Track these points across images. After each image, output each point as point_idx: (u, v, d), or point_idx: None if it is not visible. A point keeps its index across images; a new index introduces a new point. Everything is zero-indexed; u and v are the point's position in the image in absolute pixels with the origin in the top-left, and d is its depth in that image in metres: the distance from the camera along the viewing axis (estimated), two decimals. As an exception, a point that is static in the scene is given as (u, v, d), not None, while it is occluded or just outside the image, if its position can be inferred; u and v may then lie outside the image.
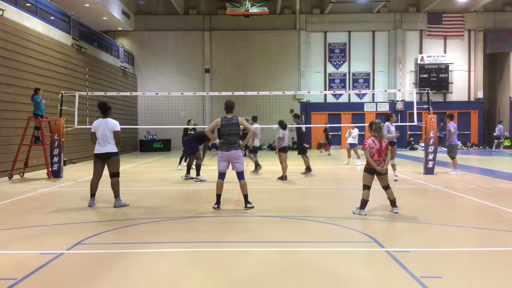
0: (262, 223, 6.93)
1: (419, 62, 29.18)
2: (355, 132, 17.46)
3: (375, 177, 7.37)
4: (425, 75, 29.09)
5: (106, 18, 24.53)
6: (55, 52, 17.09)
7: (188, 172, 12.56)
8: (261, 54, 28.99)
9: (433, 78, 29.06)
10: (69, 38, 18.59)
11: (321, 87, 29.25)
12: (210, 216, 7.40)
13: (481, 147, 28.73)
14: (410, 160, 19.28)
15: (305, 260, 4.98)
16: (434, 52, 29.30)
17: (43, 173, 13.80)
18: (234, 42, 29.10)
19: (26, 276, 4.39)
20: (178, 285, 4.27)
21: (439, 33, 29.08)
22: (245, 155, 8.32)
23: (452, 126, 13.16)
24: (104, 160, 8.12)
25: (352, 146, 17.31)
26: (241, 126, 8.00)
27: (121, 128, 8.40)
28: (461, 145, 26.26)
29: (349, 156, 17.52)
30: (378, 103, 29.05)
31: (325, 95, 29.17)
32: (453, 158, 13.18)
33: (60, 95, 13.89)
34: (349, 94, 29.14)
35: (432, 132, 13.40)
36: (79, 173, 14.25)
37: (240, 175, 7.93)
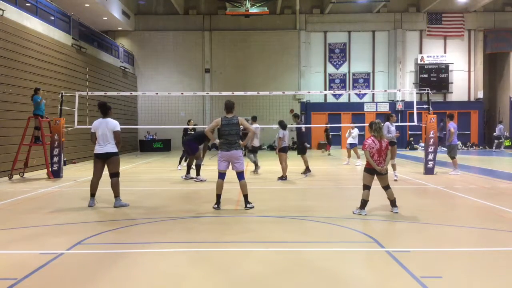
0: (262, 223, 6.93)
1: (419, 62, 29.18)
2: (355, 132, 17.46)
3: (375, 177, 7.37)
4: (425, 75, 29.09)
5: (106, 18, 24.53)
6: (55, 52, 17.09)
7: (188, 172, 12.56)
8: (261, 54, 29.00)
9: (433, 78, 29.06)
10: (69, 38, 18.60)
11: (321, 87, 29.25)
12: (210, 216, 7.40)
13: (481, 147, 28.73)
14: (410, 160, 19.28)
15: (305, 260, 4.98)
16: (434, 52, 29.30)
17: (43, 173, 13.80)
18: (234, 42, 29.10)
19: (26, 276, 4.39)
20: (178, 285, 4.27)
21: (439, 33, 29.09)
22: (244, 155, 8.30)
23: (452, 126, 13.16)
24: (104, 160, 8.12)
25: (352, 146, 17.31)
26: (241, 126, 8.00)
27: (121, 128, 8.40)
28: (461, 145, 26.26)
29: (349, 156, 17.52)
30: (378, 103, 29.05)
31: (325, 95, 29.17)
32: (453, 158, 13.18)
33: (60, 95, 13.89)
34: (349, 94, 29.14)
35: (432, 132, 13.40)
36: (79, 173, 14.25)
37: (240, 175, 7.93)
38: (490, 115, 30.18)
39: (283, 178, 12.15)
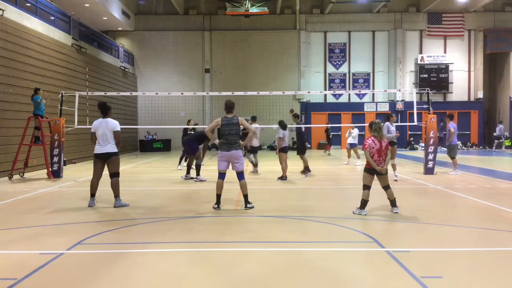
0: (262, 223, 6.93)
1: (419, 62, 29.18)
2: (355, 132, 17.46)
3: (375, 177, 7.37)
4: (425, 75, 29.10)
5: (106, 18, 24.53)
6: (55, 52, 17.09)
7: (188, 172, 12.56)
8: (261, 54, 29.00)
9: (433, 78, 29.06)
10: (69, 38, 18.60)
11: (321, 87, 29.26)
12: (210, 216, 7.40)
13: (481, 147, 28.74)
14: (410, 160, 19.28)
15: (305, 260, 4.98)
16: (434, 52, 29.30)
17: (43, 173, 13.80)
18: (234, 42, 29.10)
19: (26, 276, 4.39)
20: (178, 285, 4.27)
21: (439, 33, 29.09)
22: (244, 155, 8.31)
23: (452, 126, 13.16)
24: (104, 160, 8.12)
25: (352, 146, 17.31)
26: (241, 126, 8.01)
27: (121, 128, 8.40)
28: (461, 145, 26.26)
29: (349, 156, 17.52)
30: (378, 103, 29.06)
31: (325, 95, 29.17)
32: (453, 158, 13.18)
33: (60, 95, 13.90)
34: (349, 94, 29.14)
35: (432, 132, 13.40)
36: (79, 173, 14.25)
37: (240, 175, 7.93)
38: (490, 115, 30.18)
39: (283, 178, 12.15)
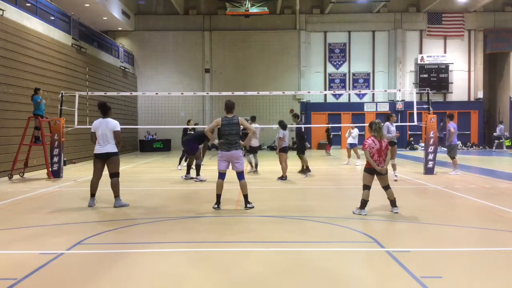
0: (262, 223, 6.93)
1: (419, 62, 29.18)
2: (355, 132, 17.46)
3: (375, 177, 7.37)
4: (425, 75, 29.10)
5: (106, 18, 24.53)
6: (55, 52, 17.09)
7: (188, 172, 12.56)
8: (261, 54, 29.00)
9: (433, 78, 29.06)
10: (69, 38, 18.60)
11: (321, 87, 29.26)
12: (210, 216, 7.40)
13: (481, 147, 28.74)
14: (410, 160, 19.28)
15: (305, 260, 4.98)
16: (434, 52, 29.30)
17: (43, 173, 13.80)
18: (234, 42, 29.10)
19: (26, 276, 4.39)
20: (178, 285, 4.27)
21: (439, 33, 29.09)
22: (243, 155, 8.30)
23: (452, 126, 13.16)
24: (104, 160, 8.12)
25: (352, 146, 17.32)
26: (241, 126, 8.01)
27: (121, 128, 8.40)
28: (461, 145, 26.26)
29: (349, 156, 17.53)
30: (378, 103, 29.06)
31: (325, 95, 29.17)
32: (453, 158, 13.18)
33: (60, 95, 13.90)
34: (349, 94, 29.14)
35: (432, 132, 13.40)
36: (79, 173, 14.25)
37: (240, 175, 7.93)
38: (490, 115, 30.18)
39: (283, 178, 12.15)
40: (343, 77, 29.55)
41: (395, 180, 11.43)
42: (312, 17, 29.29)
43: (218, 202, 7.89)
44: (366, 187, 7.35)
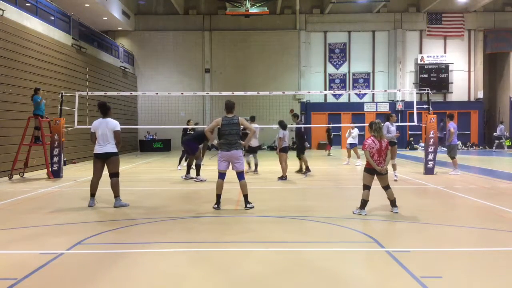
0: (262, 223, 6.93)
1: (419, 62, 29.18)
2: (355, 132, 17.47)
3: (375, 177, 7.37)
4: (425, 75, 29.10)
5: (106, 18, 24.54)
6: (55, 52, 17.09)
7: (188, 172, 12.55)
8: (261, 54, 29.00)
9: (433, 78, 29.06)
10: (69, 38, 18.60)
11: (321, 87, 29.26)
12: (210, 216, 7.40)
13: (481, 147, 28.74)
14: (410, 160, 19.28)
15: (305, 260, 4.98)
16: (434, 52, 29.30)
17: (43, 173, 13.80)
18: (234, 42, 29.11)
19: (26, 276, 4.39)
20: (178, 285, 4.27)
21: (439, 33, 29.09)
22: (243, 155, 8.30)
23: (452, 126, 13.16)
24: (103, 160, 8.12)
25: (352, 146, 17.32)
26: (241, 126, 8.01)
27: (121, 128, 8.39)
28: (461, 145, 26.25)
29: (349, 156, 17.53)
30: (378, 103, 29.06)
31: (325, 95, 29.18)
32: (453, 158, 13.18)
33: (60, 95, 13.90)
34: (349, 94, 29.15)
35: (432, 132, 13.40)
36: (79, 173, 14.25)
37: (240, 175, 7.93)
38: (490, 115, 30.18)
39: (283, 178, 12.15)
40: (343, 77, 29.55)
41: (395, 180, 11.43)
42: (312, 17, 29.29)
43: (218, 202, 7.88)
44: (366, 187, 7.35)
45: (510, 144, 27.42)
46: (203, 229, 6.58)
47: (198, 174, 12.08)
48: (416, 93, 17.58)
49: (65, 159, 15.07)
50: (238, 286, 4.23)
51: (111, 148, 8.09)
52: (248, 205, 7.86)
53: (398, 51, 28.94)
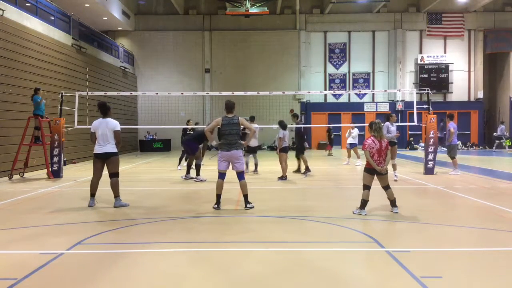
0: (262, 223, 6.93)
1: (419, 62, 29.18)
2: (355, 132, 17.47)
3: (375, 177, 7.37)
4: (425, 75, 29.10)
5: (106, 18, 24.53)
6: (55, 52, 17.09)
7: (188, 172, 12.55)
8: (261, 54, 29.00)
9: (433, 78, 29.06)
10: (69, 38, 18.60)
11: (321, 87, 29.26)
12: (210, 216, 7.40)
13: (481, 147, 28.74)
14: (410, 160, 19.28)
15: (305, 260, 4.98)
16: (434, 52, 29.30)
17: (43, 173, 13.80)
18: (234, 42, 29.10)
19: (26, 276, 4.39)
20: (178, 285, 4.27)
21: (439, 33, 29.09)
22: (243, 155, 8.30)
23: (452, 126, 13.16)
24: (103, 160, 8.12)
25: (352, 146, 17.32)
26: (241, 126, 8.01)
27: (121, 128, 8.39)
28: (461, 145, 26.25)
29: (349, 156, 17.53)
30: (378, 103, 29.06)
31: (325, 95, 29.17)
32: (453, 158, 13.18)
33: (60, 95, 13.90)
34: (349, 94, 29.14)
35: (432, 132, 13.40)
36: (79, 173, 14.25)
37: (240, 175, 7.93)
38: (490, 115, 30.18)
39: (283, 178, 12.15)
40: (343, 77, 29.55)
41: (395, 180, 11.43)
42: (312, 17, 29.29)
43: (218, 202, 7.89)
44: (366, 187, 7.35)
45: (510, 144, 27.40)
46: (203, 229, 6.58)
47: (198, 174, 12.08)
48: (416, 93, 17.58)
49: (65, 159, 15.07)
50: (238, 286, 4.23)
51: (111, 148, 8.09)
52: (248, 205, 7.86)
53: (398, 51, 28.94)
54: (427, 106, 14.31)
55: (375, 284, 4.28)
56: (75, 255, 5.21)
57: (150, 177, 13.68)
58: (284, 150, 12.34)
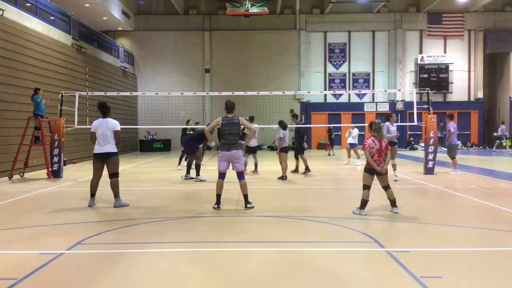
0: (262, 223, 6.93)
1: (419, 62, 29.19)
2: (355, 132, 17.47)
3: (375, 177, 7.37)
4: (425, 75, 29.10)
5: (106, 18, 24.54)
6: (55, 52, 17.09)
7: (188, 172, 12.55)
8: (261, 54, 29.00)
9: (433, 78, 29.06)
10: (69, 38, 18.60)
11: (321, 87, 29.26)
12: (210, 216, 7.40)
13: (481, 147, 28.73)
14: (410, 160, 19.28)
15: (305, 260, 4.98)
16: (434, 52, 29.30)
17: (43, 173, 13.80)
18: (234, 42, 29.10)
19: (26, 276, 4.39)
20: (178, 285, 4.27)
21: (439, 33, 29.09)
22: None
23: (452, 126, 13.17)
24: (103, 160, 8.11)
25: (352, 146, 17.32)
26: (241, 126, 8.01)
27: (121, 128, 8.39)
28: (461, 145, 26.24)
29: (349, 156, 17.53)
30: (378, 103, 29.06)
31: (325, 95, 29.17)
32: (453, 158, 13.18)
33: (60, 95, 13.90)
34: (349, 94, 29.15)
35: (432, 132, 13.40)
36: (79, 173, 14.25)
37: (240, 175, 7.93)
38: (490, 115, 30.18)
39: (283, 178, 12.15)
40: (343, 77, 29.55)
41: (395, 180, 11.42)
42: (312, 17, 29.29)
43: (218, 202, 7.89)
44: (366, 187, 7.35)
45: (510, 144, 27.39)
46: (203, 229, 6.58)
47: (198, 174, 12.08)
48: (416, 93, 17.58)
49: (65, 159, 15.07)
50: (238, 286, 4.23)
51: (111, 148, 8.09)
52: (248, 205, 7.86)
53: (398, 51, 28.94)
54: (427, 106, 14.31)
55: (375, 284, 4.28)
56: (75, 255, 5.21)
57: (150, 177, 13.68)
58: (284, 150, 12.34)
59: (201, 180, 11.88)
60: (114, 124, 8.16)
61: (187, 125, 15.64)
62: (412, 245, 5.63)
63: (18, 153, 12.88)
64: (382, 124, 7.75)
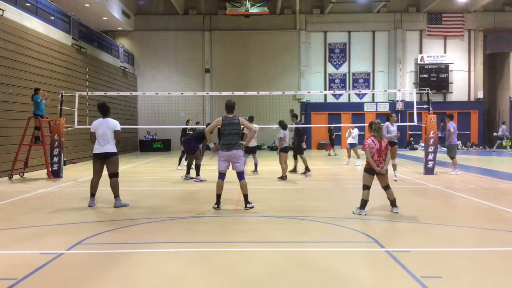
0: (262, 223, 6.93)
1: (419, 62, 29.18)
2: (355, 132, 17.47)
3: (375, 177, 7.37)
4: (425, 75, 29.10)
5: (106, 18, 24.53)
6: (55, 52, 17.09)
7: (188, 172, 12.56)
8: (261, 54, 28.99)
9: (433, 78, 29.06)
10: (69, 38, 18.60)
11: (321, 87, 29.25)
12: (210, 216, 7.40)
13: (481, 147, 28.73)
14: (410, 160, 19.28)
15: (305, 260, 4.98)
16: (434, 52, 29.29)
17: (43, 173, 13.80)
18: (234, 42, 29.10)
19: (26, 276, 4.39)
20: (178, 285, 4.27)
21: (439, 33, 29.08)
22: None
23: (451, 126, 13.17)
24: (103, 160, 8.12)
25: (352, 146, 17.32)
26: (241, 126, 8.01)
27: (121, 128, 8.39)
28: (461, 145, 26.23)
29: (349, 156, 17.53)
30: (378, 103, 29.06)
31: (325, 95, 29.15)
32: (452, 158, 13.18)
33: (60, 95, 13.90)
34: (349, 94, 29.14)
35: (432, 132, 13.40)
36: (79, 173, 14.25)
37: (240, 175, 7.93)
38: (490, 115, 30.17)
39: (283, 178, 12.15)
40: (343, 77, 29.55)
41: (395, 180, 11.43)
42: (312, 17, 29.28)
43: (218, 202, 7.89)
44: (366, 187, 7.35)
45: (511, 144, 27.38)
46: (203, 229, 6.58)
47: (198, 174, 12.08)
48: (416, 93, 17.60)
49: (65, 159, 15.07)
50: (238, 286, 4.23)
51: (111, 148, 8.09)
52: (248, 205, 7.86)
53: (398, 51, 28.94)
54: (427, 106, 14.32)
55: (375, 284, 4.28)
56: (75, 255, 5.21)
57: (150, 177, 13.68)
58: (285, 150, 12.35)
59: (201, 180, 11.88)
60: (114, 124, 8.16)
61: (186, 125, 15.65)
62: (412, 245, 5.63)
63: (18, 153, 12.88)
64: (382, 124, 7.75)
